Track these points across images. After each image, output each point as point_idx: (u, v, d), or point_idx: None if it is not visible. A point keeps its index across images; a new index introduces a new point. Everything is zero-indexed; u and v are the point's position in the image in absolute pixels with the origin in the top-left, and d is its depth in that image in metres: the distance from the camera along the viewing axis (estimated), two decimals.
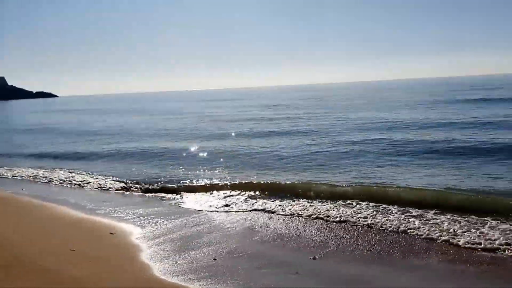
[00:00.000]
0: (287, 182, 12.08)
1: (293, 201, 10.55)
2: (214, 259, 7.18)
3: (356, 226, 8.75)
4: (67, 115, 60.38)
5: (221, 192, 11.98)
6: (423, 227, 8.25)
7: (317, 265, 6.90)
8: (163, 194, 12.25)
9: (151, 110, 58.37)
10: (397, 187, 10.48)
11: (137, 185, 13.32)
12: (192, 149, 19.79)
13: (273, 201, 10.72)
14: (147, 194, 12.42)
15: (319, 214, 9.52)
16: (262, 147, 19.09)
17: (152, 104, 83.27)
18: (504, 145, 15.31)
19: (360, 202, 9.96)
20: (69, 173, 15.78)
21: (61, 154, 20.66)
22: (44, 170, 16.61)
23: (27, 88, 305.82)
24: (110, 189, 13.25)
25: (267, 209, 10.16)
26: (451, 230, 7.89)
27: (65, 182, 14.47)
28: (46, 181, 14.82)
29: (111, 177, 14.78)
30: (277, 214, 9.85)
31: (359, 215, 9.24)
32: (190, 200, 11.48)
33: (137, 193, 12.64)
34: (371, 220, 8.86)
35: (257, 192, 11.54)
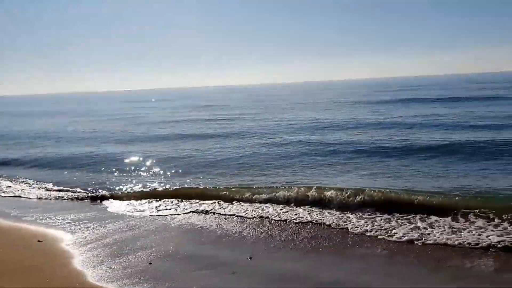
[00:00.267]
0: (221, 187, 11.96)
1: (230, 203, 10.62)
2: (150, 263, 7.10)
3: (289, 224, 9.05)
4: None
5: (155, 196, 11.73)
6: (357, 222, 8.73)
7: (254, 264, 7.04)
8: (95, 200, 11.82)
9: (81, 112, 55.49)
10: (337, 188, 10.62)
11: (68, 191, 12.72)
12: (125, 153, 18.92)
13: (208, 204, 10.72)
14: (78, 200, 11.91)
15: (256, 215, 9.72)
16: (195, 150, 18.81)
17: (84, 105, 78.97)
18: (424, 144, 16.14)
19: (296, 205, 10.19)
20: None
21: None
22: None
23: None
24: (38, 195, 12.52)
25: (203, 212, 10.19)
26: (381, 227, 8.43)
27: None
28: None
29: (39, 183, 14.03)
30: (213, 216, 9.91)
31: (294, 214, 9.54)
32: (123, 205, 11.19)
33: (67, 199, 12.08)
34: (307, 218, 9.21)
35: (192, 196, 11.41)
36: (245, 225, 9.14)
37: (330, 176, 12.57)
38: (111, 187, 12.97)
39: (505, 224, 8.03)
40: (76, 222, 9.57)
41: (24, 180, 14.57)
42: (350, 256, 7.28)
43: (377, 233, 8.12)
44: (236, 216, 9.76)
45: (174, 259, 7.34)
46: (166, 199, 11.31)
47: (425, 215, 8.77)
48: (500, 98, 37.03)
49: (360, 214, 9.19)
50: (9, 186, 13.57)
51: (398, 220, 8.68)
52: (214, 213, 10.08)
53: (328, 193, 10.19)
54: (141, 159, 17.19)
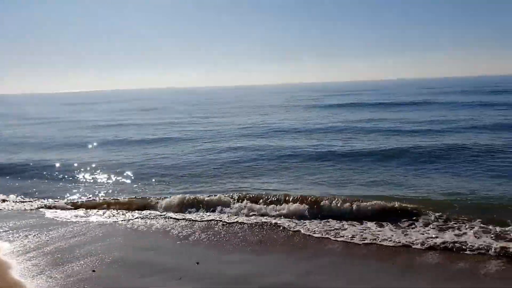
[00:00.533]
0: (165, 194, 11.71)
1: (178, 209, 10.45)
2: (93, 271, 6.91)
3: (239, 227, 9.09)
4: None
5: (100, 205, 11.26)
6: (309, 225, 8.92)
7: (201, 269, 7.00)
8: (35, 207, 11.26)
9: (20, 115, 52.33)
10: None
11: (4, 201, 11.94)
12: (64, 160, 17.80)
13: (154, 210, 10.53)
14: (15, 208, 11.26)
15: (205, 219, 9.70)
16: (144, 155, 18.17)
17: (22, 108, 74.65)
18: (368, 149, 16.48)
19: (240, 205, 10.27)
20: None
21: None
22: None
23: None
24: None
25: (150, 218, 9.99)
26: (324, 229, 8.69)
27: None
28: None
29: None
30: (160, 221, 9.75)
31: (244, 218, 9.61)
32: (67, 212, 10.74)
33: (5, 207, 11.35)
34: (259, 221, 9.33)
35: (138, 204, 11.10)
36: (193, 229, 9.08)
37: (274, 182, 12.55)
38: (53, 195, 12.38)
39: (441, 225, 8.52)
40: (15, 231, 9.12)
41: None
42: (301, 257, 7.40)
43: (327, 235, 8.34)
44: (186, 220, 9.68)
45: (119, 266, 7.18)
46: (112, 205, 10.97)
47: (374, 219, 9.02)
48: (432, 103, 39.09)
49: (313, 218, 9.34)
50: None
51: (346, 223, 8.91)
52: (162, 218, 9.93)
53: (278, 197, 10.38)
54: (83, 166, 16.32)
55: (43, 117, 45.16)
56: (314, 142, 19.07)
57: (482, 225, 8.27)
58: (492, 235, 7.78)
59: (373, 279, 6.47)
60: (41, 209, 11.08)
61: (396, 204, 9.34)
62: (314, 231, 8.56)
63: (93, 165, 16.20)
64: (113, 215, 10.35)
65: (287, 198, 10.20)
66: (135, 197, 11.49)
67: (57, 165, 16.83)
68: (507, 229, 7.98)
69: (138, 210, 10.62)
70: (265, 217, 9.54)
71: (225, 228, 9.12)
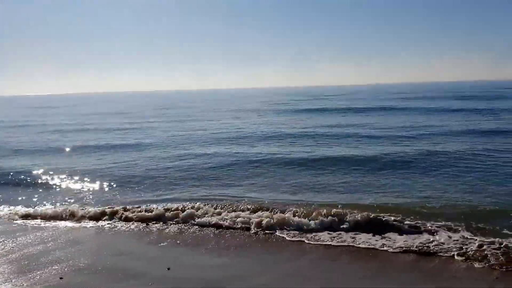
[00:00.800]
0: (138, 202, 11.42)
1: (149, 217, 10.19)
2: (61, 278, 6.78)
3: (212, 232, 9.04)
4: None
5: (68, 208, 10.94)
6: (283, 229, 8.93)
7: (172, 274, 6.94)
8: (3, 215, 10.86)
9: None
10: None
11: None
12: (32, 166, 17.05)
13: (127, 215, 10.27)
14: None
15: (178, 223, 9.62)
16: (115, 162, 17.41)
17: None
18: (332, 156, 16.38)
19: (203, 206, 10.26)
20: None
21: None
22: None
23: None
24: None
25: (121, 223, 9.84)
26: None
27: None
28: None
29: None
30: (131, 227, 9.61)
31: (215, 224, 9.52)
32: (35, 220, 10.39)
33: None
34: (227, 222, 9.32)
35: (107, 208, 10.83)
36: (165, 235, 9.01)
37: (243, 190, 12.35)
38: (22, 203, 11.98)
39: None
40: None
41: None
42: (276, 261, 7.44)
43: (301, 238, 8.45)
44: (157, 224, 9.59)
45: (88, 272, 7.06)
46: (82, 213, 10.64)
47: (343, 224, 9.03)
48: (394, 109, 40.05)
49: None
50: None
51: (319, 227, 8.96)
52: (133, 223, 9.81)
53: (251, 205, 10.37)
54: (52, 172, 15.62)
55: (10, 121, 43.64)
56: (286, 147, 19.06)
57: (452, 228, 8.47)
58: (458, 239, 7.96)
59: (348, 281, 6.56)
60: (8, 216, 10.71)
61: (372, 215, 9.24)
62: (290, 235, 8.64)
63: (64, 172, 15.58)
64: (83, 221, 10.14)
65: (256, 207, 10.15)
66: (107, 206, 11.03)
67: (24, 170, 16.24)
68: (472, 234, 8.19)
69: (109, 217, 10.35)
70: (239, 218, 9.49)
71: (198, 233, 9.06)
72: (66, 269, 7.12)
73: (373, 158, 15.38)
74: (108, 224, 9.82)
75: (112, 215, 10.27)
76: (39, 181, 14.56)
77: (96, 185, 13.61)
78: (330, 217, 9.08)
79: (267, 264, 7.30)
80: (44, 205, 11.61)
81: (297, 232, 8.74)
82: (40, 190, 13.41)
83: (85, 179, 14.41)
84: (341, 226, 8.83)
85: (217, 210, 10.14)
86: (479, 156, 15.01)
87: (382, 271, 6.89)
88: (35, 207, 11.33)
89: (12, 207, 11.45)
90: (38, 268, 7.16)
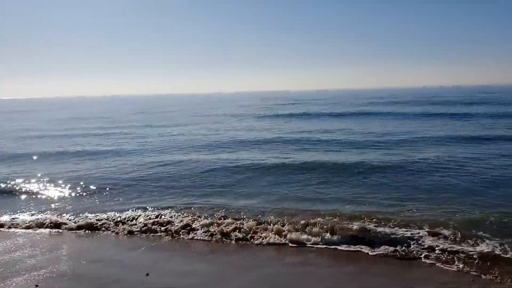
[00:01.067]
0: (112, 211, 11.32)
1: (130, 221, 10.20)
2: (36, 286, 6.71)
3: (192, 239, 9.07)
4: None
5: (45, 214, 10.90)
6: (261, 234, 9.02)
7: (151, 280, 6.96)
8: None
9: None
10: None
11: None
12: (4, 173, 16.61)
13: (103, 222, 10.19)
14: None
15: (157, 230, 9.60)
16: (86, 169, 16.90)
17: None
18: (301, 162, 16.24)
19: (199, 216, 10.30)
20: None
21: None
22: None
23: None
24: None
25: (98, 230, 9.76)
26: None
27: None
28: None
29: None
30: (109, 233, 9.56)
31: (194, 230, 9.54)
32: (10, 224, 10.27)
33: None
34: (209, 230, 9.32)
35: (86, 214, 10.79)
36: (144, 242, 9.00)
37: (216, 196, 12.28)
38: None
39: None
40: None
41: None
42: (251, 266, 7.51)
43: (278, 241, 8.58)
44: (136, 232, 9.54)
45: (64, 279, 7.03)
46: (59, 219, 10.54)
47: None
48: (371, 114, 40.87)
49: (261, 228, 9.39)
50: None
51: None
52: (110, 230, 9.72)
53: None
54: (26, 179, 15.28)
55: None
56: (265, 153, 18.98)
57: (429, 231, 8.68)
58: (436, 244, 8.22)
59: (320, 284, 6.67)
60: None
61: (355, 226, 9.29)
62: (264, 240, 8.74)
63: (40, 179, 15.28)
64: (60, 228, 10.02)
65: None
66: (85, 214, 10.91)
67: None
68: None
69: (88, 219, 10.32)
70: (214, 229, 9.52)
71: (175, 239, 9.09)
72: (42, 276, 7.08)
73: (351, 164, 15.39)
74: (85, 231, 9.75)
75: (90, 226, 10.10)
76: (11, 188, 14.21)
77: (72, 192, 13.36)
78: (310, 227, 9.12)
79: (241, 269, 7.38)
80: (19, 212, 11.39)
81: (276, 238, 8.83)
82: (14, 198, 13.19)
83: (62, 186, 14.16)
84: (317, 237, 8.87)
85: (192, 217, 10.16)
86: (457, 163, 15.22)
87: (360, 275, 7.04)
88: (11, 215, 11.16)
89: None
90: (12, 276, 7.10)
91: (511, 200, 10.67)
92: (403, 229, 8.84)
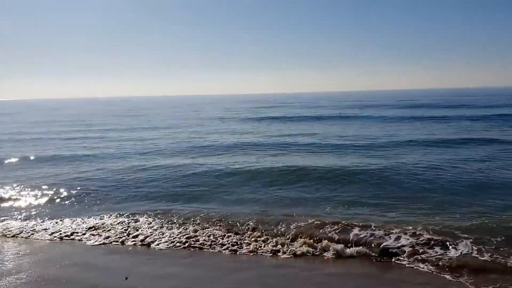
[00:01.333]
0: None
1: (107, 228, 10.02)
2: None
3: (171, 244, 8.98)
4: None
5: (18, 222, 10.65)
6: (227, 239, 9.04)
7: (130, 284, 6.95)
8: None
9: None
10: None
11: None
12: None
13: (80, 228, 10.03)
14: None
15: (134, 235, 9.51)
16: (61, 174, 16.41)
17: None
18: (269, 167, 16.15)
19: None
20: None
21: None
22: None
23: None
24: None
25: (77, 236, 9.57)
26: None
27: None
28: None
29: None
30: (87, 239, 9.39)
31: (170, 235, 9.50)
32: None
33: None
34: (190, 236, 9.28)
35: (63, 220, 10.63)
36: (122, 246, 8.93)
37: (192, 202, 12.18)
38: None
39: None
40: None
41: None
42: (238, 269, 7.55)
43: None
44: (113, 238, 9.40)
45: (41, 284, 6.92)
46: (34, 226, 10.33)
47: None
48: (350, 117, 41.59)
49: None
50: None
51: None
52: (89, 235, 9.57)
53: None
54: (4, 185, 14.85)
55: None
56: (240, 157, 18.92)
57: (404, 236, 8.79)
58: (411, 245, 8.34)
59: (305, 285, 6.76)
60: None
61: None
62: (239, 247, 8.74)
63: (13, 184, 14.84)
64: (35, 232, 9.87)
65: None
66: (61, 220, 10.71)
67: None
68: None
69: (67, 225, 10.20)
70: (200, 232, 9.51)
71: (155, 243, 9.02)
72: (17, 282, 6.98)
73: (331, 169, 15.33)
74: (60, 234, 9.61)
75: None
76: None
77: (47, 198, 13.01)
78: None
79: (226, 271, 7.42)
80: None
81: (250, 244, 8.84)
82: None
83: (37, 191, 13.79)
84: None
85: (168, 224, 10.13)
86: (436, 166, 15.42)
87: (340, 277, 7.16)
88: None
89: None
90: None
91: (488, 203, 10.95)
92: (381, 231, 8.99)
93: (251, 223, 9.84)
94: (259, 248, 8.52)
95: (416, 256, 7.83)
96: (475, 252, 7.86)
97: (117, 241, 9.13)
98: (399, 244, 8.30)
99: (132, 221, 10.31)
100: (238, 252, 8.41)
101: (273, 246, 8.54)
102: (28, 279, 7.04)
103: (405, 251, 8.01)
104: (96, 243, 9.07)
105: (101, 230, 9.81)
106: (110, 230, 9.77)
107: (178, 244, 8.87)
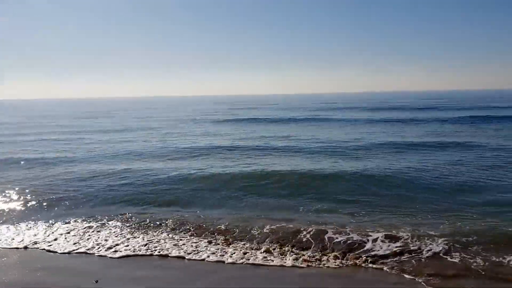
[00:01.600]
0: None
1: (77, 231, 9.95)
2: None
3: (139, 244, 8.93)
4: None
5: None
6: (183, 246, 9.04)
7: (100, 287, 6.96)
8: None
9: None
10: None
11: None
12: None
13: (47, 232, 9.84)
14: None
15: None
16: (24, 179, 15.78)
17: None
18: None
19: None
20: None
21: None
22: None
23: None
24: None
25: (44, 241, 9.33)
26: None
27: None
28: None
29: None
30: (56, 243, 9.15)
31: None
32: None
33: None
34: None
35: (29, 226, 10.38)
36: (92, 251, 8.75)
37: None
38: None
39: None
40: None
41: None
42: (211, 271, 7.57)
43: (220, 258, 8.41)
44: (82, 243, 9.21)
45: None
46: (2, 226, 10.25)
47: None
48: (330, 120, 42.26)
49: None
50: None
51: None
52: (56, 241, 9.34)
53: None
54: None
55: None
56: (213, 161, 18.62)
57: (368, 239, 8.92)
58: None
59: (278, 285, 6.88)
60: None
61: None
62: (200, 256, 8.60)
63: None
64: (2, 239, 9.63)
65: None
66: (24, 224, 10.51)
67: None
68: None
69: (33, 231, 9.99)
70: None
71: (128, 246, 8.93)
72: None
73: (303, 173, 15.29)
74: (26, 242, 9.37)
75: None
76: None
77: (11, 204, 12.56)
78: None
79: (190, 277, 7.41)
80: None
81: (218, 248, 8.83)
82: None
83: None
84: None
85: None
86: (407, 168, 15.65)
87: (313, 277, 7.23)
88: None
89: None
90: None
91: (458, 204, 11.25)
92: (355, 234, 9.10)
93: (222, 227, 9.82)
94: (228, 253, 8.41)
95: (389, 258, 7.94)
96: (442, 252, 8.04)
97: (86, 246, 8.92)
98: (370, 246, 8.44)
99: (100, 225, 10.14)
100: (207, 256, 8.30)
101: (244, 252, 8.45)
102: None
103: (377, 254, 8.12)
104: (66, 250, 8.77)
105: (70, 235, 9.59)
106: (76, 236, 9.54)
107: (148, 248, 8.76)
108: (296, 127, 34.67)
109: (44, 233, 9.76)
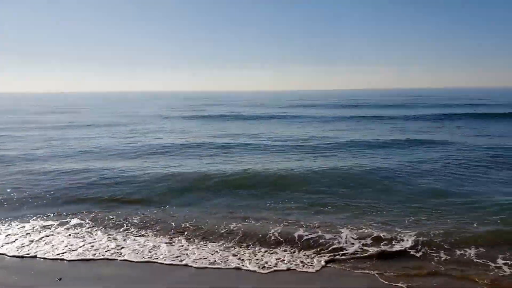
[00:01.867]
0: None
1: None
2: None
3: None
4: None
5: None
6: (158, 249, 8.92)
7: (62, 285, 6.91)
8: None
9: None
10: None
11: None
12: None
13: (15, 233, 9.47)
14: None
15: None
16: None
17: None
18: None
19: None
20: None
21: None
22: None
23: None
24: None
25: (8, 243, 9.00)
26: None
27: None
28: None
29: None
30: (19, 244, 8.84)
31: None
32: None
33: None
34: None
35: None
36: (53, 250, 8.49)
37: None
38: None
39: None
40: None
41: None
42: (164, 274, 7.45)
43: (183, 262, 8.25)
44: (42, 244, 8.89)
45: None
46: None
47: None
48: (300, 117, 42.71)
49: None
50: None
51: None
52: (15, 243, 9.00)
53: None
54: None
55: None
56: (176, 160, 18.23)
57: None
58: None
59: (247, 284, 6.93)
60: None
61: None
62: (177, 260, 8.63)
63: None
64: None
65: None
66: None
67: None
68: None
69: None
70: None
71: (92, 245, 8.75)
72: None
73: (273, 173, 15.06)
74: None
75: None
76: None
77: None
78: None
79: (154, 276, 7.38)
80: None
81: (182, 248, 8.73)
82: None
83: None
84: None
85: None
86: (376, 167, 15.79)
87: (280, 275, 7.28)
88: None
89: None
90: None
91: (423, 199, 11.56)
92: (326, 232, 9.17)
93: (188, 225, 9.72)
94: (191, 253, 8.30)
95: (357, 254, 8.08)
96: (409, 248, 8.22)
97: (45, 247, 8.57)
98: (341, 245, 8.50)
99: (60, 226, 9.82)
100: (172, 254, 8.20)
101: (209, 252, 8.37)
102: None
103: (347, 252, 8.20)
104: (23, 252, 8.37)
105: (29, 235, 9.23)
106: (34, 237, 9.13)
107: (111, 248, 8.54)
108: (266, 125, 34.47)
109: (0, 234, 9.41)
